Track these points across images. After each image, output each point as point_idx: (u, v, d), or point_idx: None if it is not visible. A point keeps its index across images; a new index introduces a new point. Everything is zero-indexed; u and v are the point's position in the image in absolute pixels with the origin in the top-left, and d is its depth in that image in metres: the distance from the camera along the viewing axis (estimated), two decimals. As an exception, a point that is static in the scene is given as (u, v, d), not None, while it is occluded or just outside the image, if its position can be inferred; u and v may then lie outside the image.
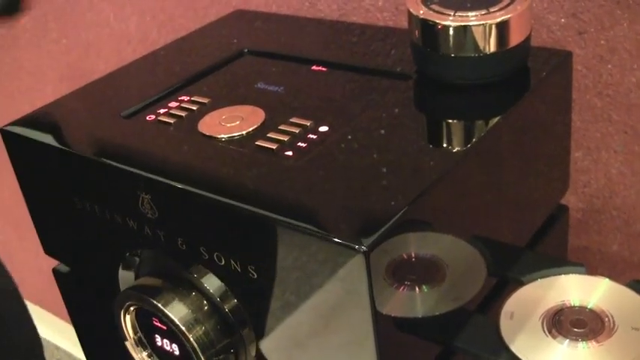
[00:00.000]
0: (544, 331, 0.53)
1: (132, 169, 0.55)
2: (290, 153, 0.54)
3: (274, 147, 0.55)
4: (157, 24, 1.08)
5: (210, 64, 0.70)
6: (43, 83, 1.33)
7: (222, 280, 0.54)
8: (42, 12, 1.24)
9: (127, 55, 1.14)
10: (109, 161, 0.57)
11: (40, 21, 1.26)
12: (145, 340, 0.60)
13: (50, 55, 1.28)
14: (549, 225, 0.68)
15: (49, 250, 0.71)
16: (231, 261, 0.52)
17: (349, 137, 0.55)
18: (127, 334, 0.60)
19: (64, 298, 0.75)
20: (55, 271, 0.73)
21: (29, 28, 1.29)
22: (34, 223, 0.69)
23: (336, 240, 0.45)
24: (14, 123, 0.65)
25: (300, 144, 0.55)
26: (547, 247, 0.67)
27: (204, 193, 0.51)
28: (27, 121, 0.65)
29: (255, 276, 0.51)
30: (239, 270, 0.52)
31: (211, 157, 0.55)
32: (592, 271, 0.79)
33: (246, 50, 0.72)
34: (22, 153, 0.65)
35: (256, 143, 0.56)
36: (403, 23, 0.61)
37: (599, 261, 0.78)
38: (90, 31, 1.19)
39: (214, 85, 0.67)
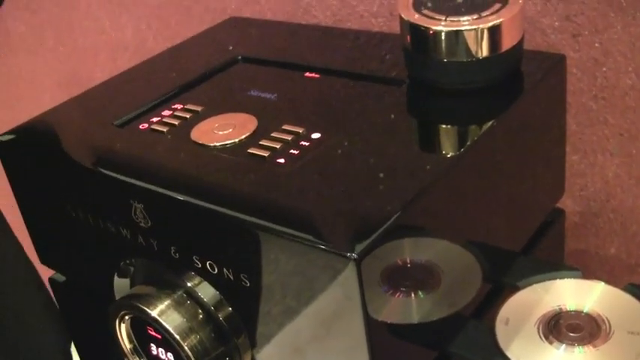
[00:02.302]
0: (540, 337, 0.53)
1: (124, 178, 0.55)
2: (282, 160, 0.54)
3: (266, 154, 0.55)
4: (153, 32, 1.08)
5: (203, 71, 0.70)
6: (40, 91, 1.33)
7: (216, 289, 0.54)
8: (39, 20, 1.24)
9: (124, 62, 1.14)
10: (101, 170, 0.57)
11: (37, 29, 1.26)
12: (140, 349, 0.60)
13: (47, 62, 1.28)
14: (545, 229, 0.68)
15: (45, 260, 0.71)
16: (224, 269, 0.52)
17: (341, 143, 0.55)
18: (122, 344, 0.60)
19: (61, 308, 0.75)
20: (51, 281, 0.72)
21: (26, 36, 1.29)
22: (29, 232, 0.69)
23: (327, 248, 0.45)
24: (7, 133, 0.65)
25: (292, 151, 0.55)
26: (543, 251, 0.67)
27: (195, 201, 0.51)
28: (20, 131, 0.65)
29: (248, 284, 0.51)
30: (232, 278, 0.52)
31: (203, 166, 0.55)
32: (590, 274, 0.79)
33: (239, 57, 0.72)
34: (15, 163, 0.65)
35: (248, 151, 0.55)
36: (397, 28, 0.61)
37: (597, 264, 0.78)
38: (86, 39, 1.19)
39: (208, 92, 0.67)
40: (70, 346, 0.77)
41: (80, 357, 0.78)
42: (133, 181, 0.55)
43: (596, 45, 0.68)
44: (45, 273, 0.72)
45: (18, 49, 1.32)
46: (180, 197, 0.52)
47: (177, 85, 0.68)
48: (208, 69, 0.70)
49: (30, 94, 1.36)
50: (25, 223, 0.69)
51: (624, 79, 0.68)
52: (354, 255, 0.44)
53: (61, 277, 0.72)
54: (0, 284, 0.70)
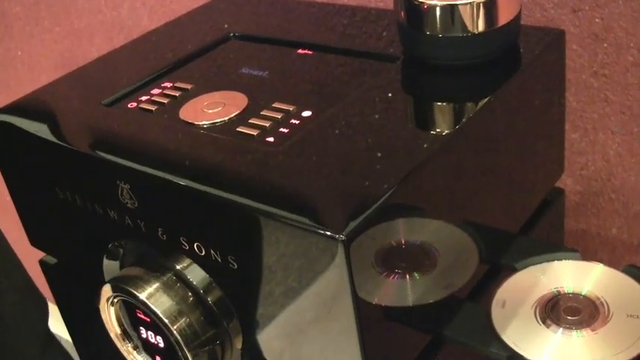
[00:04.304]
0: (537, 320, 0.52)
1: (110, 158, 0.54)
2: (271, 139, 0.52)
3: (255, 133, 0.53)
4: (148, 10, 1.06)
5: (195, 49, 0.68)
6: (37, 72, 1.32)
7: (205, 271, 0.53)
8: (34, 0, 1.23)
9: (119, 42, 1.12)
10: (87, 150, 0.56)
11: (33, 9, 1.24)
12: (131, 332, 0.59)
13: (43, 43, 1.27)
14: (545, 209, 0.66)
15: (35, 242, 0.70)
16: (211, 251, 0.51)
17: (332, 121, 0.53)
18: (111, 327, 0.59)
19: (52, 290, 0.74)
20: (42, 263, 0.71)
21: (22, 16, 1.27)
22: (19, 214, 0.68)
23: (315, 229, 0.43)
24: (-6, 112, 0.64)
25: (282, 129, 0.53)
26: (542, 232, 0.66)
27: (181, 181, 0.50)
28: (7, 111, 0.64)
29: (236, 266, 0.50)
30: (219, 260, 0.50)
31: (191, 145, 0.54)
32: (591, 255, 0.77)
33: (232, 35, 0.70)
34: (1, 143, 0.64)
35: (237, 129, 0.54)
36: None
37: (597, 245, 0.77)
38: (82, 19, 1.18)
39: (198, 70, 0.65)
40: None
41: (73, 339, 0.77)
42: (119, 160, 0.54)
43: (597, 20, 0.66)
44: (36, 255, 0.71)
45: (14, 31, 1.31)
46: (167, 177, 0.51)
47: (168, 62, 0.67)
48: (200, 46, 0.69)
49: (27, 75, 1.35)
50: (14, 205, 0.68)
51: (625, 55, 0.66)
52: (342, 236, 0.43)
53: (51, 260, 0.71)
54: None
